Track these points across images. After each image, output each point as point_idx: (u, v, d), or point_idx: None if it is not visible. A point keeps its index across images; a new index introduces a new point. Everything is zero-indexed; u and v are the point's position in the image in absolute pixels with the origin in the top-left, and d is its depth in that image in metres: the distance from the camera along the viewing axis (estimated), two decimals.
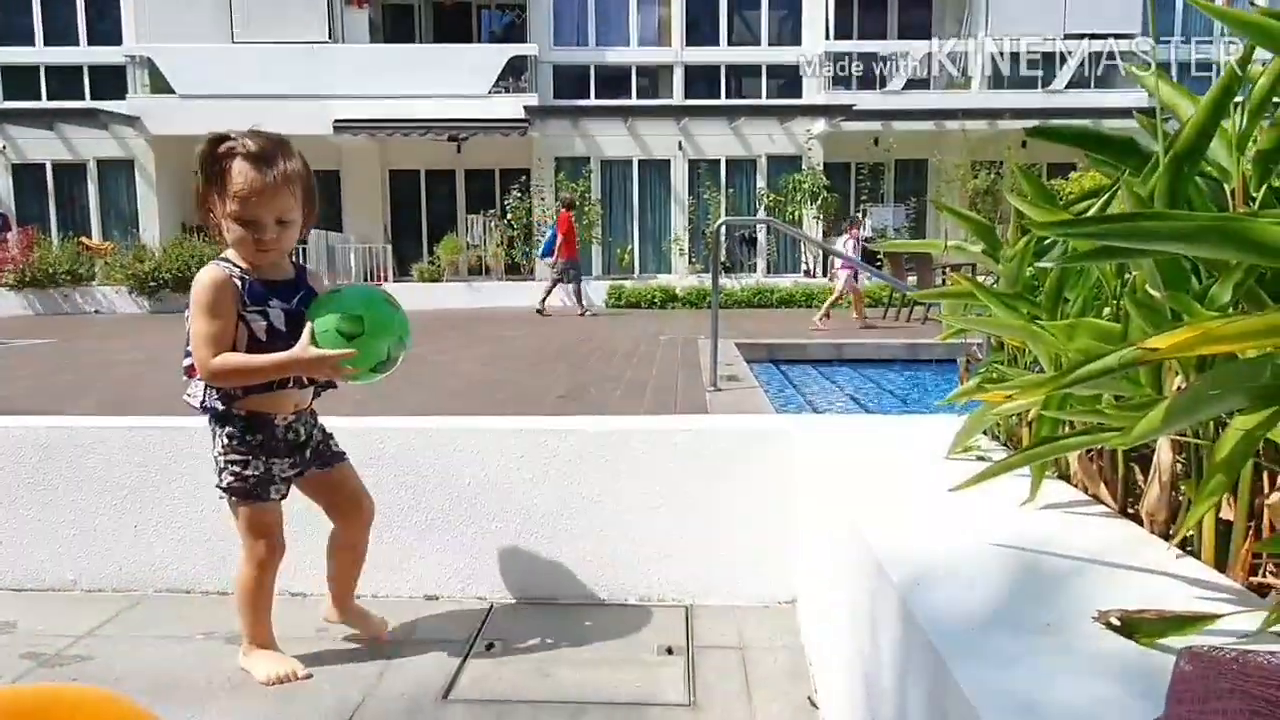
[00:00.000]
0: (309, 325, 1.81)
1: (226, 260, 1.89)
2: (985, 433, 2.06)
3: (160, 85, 18.71)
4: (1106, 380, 1.37)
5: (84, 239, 18.17)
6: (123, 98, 18.76)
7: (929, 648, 0.98)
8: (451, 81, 18.48)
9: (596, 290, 17.69)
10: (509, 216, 18.66)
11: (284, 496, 1.97)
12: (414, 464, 2.37)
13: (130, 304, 16.85)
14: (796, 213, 19.02)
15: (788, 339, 9.98)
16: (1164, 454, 1.38)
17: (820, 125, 19.01)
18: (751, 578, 2.33)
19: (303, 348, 1.79)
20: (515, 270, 19.00)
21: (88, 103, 18.89)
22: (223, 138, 1.81)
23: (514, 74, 19.25)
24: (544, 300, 14.28)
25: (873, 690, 1.30)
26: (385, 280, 18.41)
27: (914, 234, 19.16)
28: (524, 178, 18.96)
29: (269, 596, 1.96)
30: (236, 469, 1.89)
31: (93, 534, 2.44)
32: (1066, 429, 1.65)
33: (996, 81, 19.12)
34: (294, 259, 2.04)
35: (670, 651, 2.05)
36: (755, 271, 19.30)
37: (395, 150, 19.66)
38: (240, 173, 1.79)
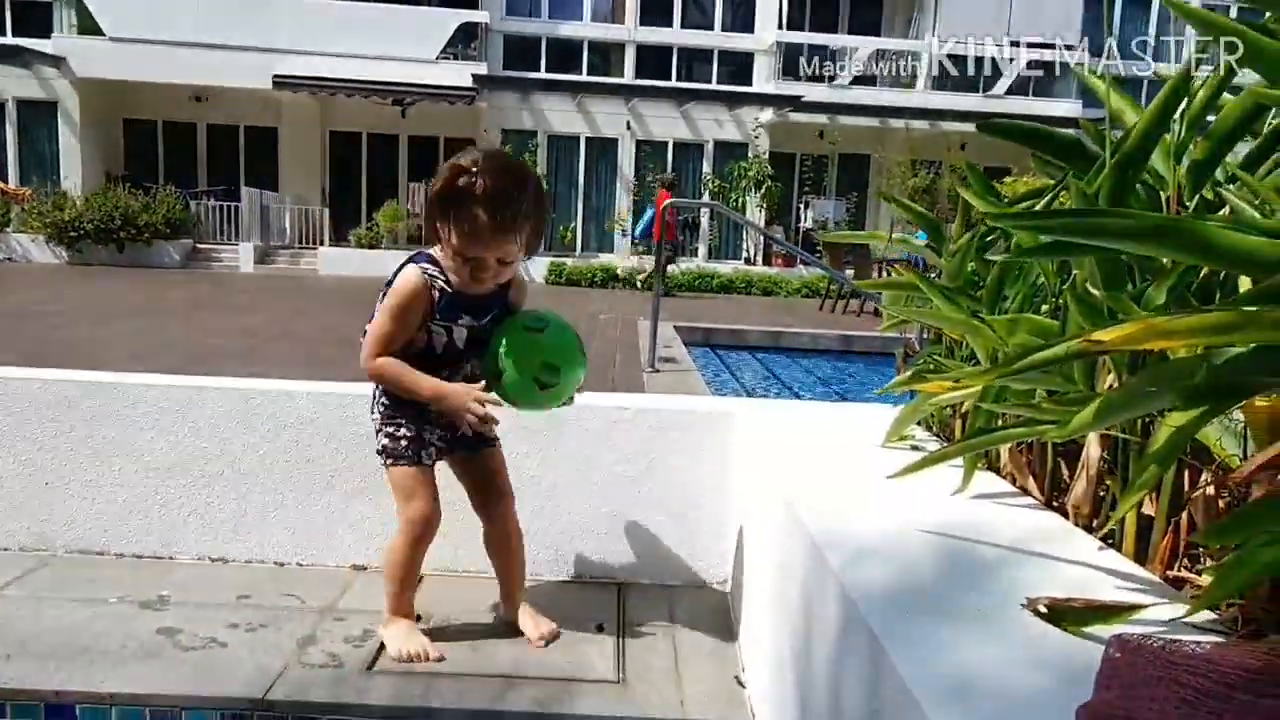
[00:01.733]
0: (503, 370, 1.77)
1: (433, 263, 1.81)
2: (919, 423, 2.10)
3: (88, 25, 17.82)
4: (1040, 376, 1.41)
5: (1, 184, 17.28)
6: (48, 36, 17.84)
7: (866, 632, 0.99)
8: (399, 43, 18.05)
9: (536, 266, 17.55)
10: None
11: (434, 463, 1.90)
12: (348, 429, 2.31)
13: (47, 253, 16.12)
14: (740, 200, 19.15)
15: (725, 324, 10.06)
16: (1092, 449, 1.42)
17: (768, 115, 19.16)
18: (685, 558, 2.34)
19: (462, 391, 1.77)
20: None
21: (9, 39, 17.91)
22: (462, 170, 1.71)
23: (464, 40, 18.89)
24: (651, 276, 14.22)
25: (803, 673, 1.31)
26: (322, 244, 17.95)
27: (853, 227, 19.47)
28: (469, 148, 18.65)
29: (415, 569, 1.89)
30: (390, 430, 1.87)
31: None
32: (1000, 422, 1.69)
33: (940, 83, 19.49)
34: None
35: (601, 629, 2.05)
36: (697, 256, 19.38)
37: (337, 110, 19.14)
38: (472, 215, 1.69)
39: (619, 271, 16.95)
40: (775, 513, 1.63)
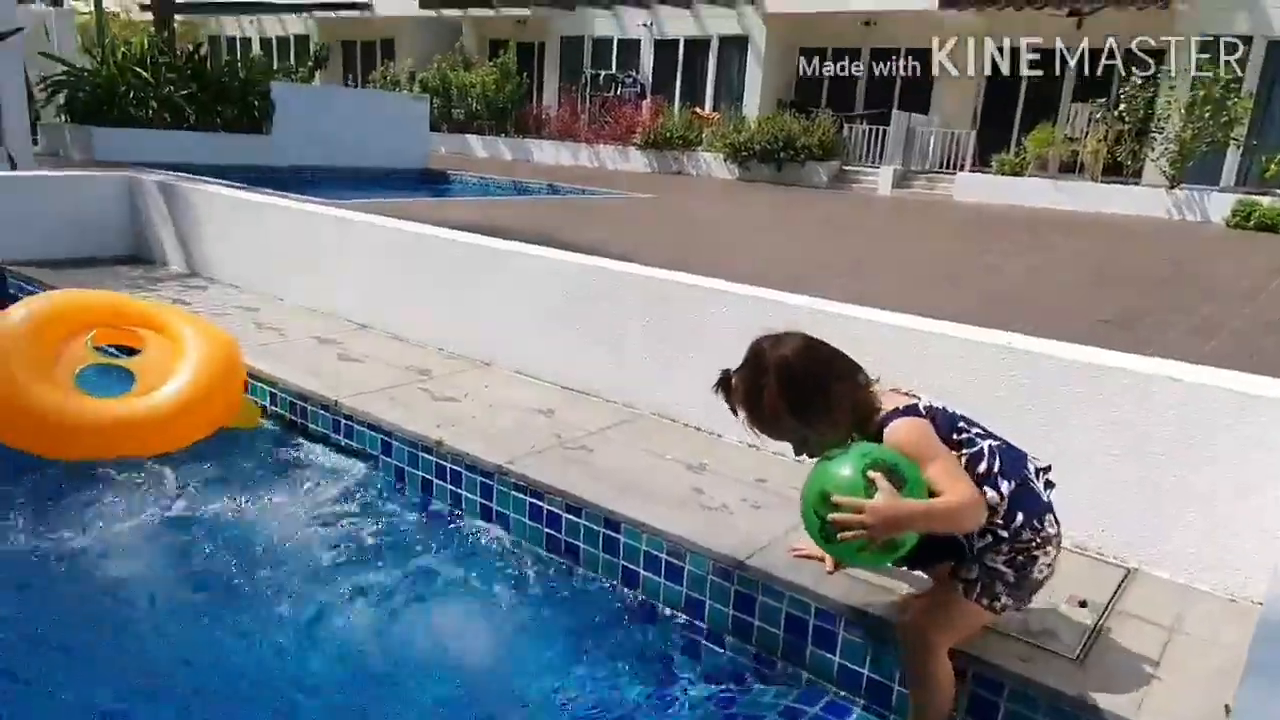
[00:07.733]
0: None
1: None
2: None
3: None
4: None
5: (697, 109, 20.85)
6: None
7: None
8: None
9: (1217, 206, 14.64)
10: (1122, 107, 16.14)
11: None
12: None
13: (724, 170, 19.05)
14: None
15: None
16: None
17: None
18: (1218, 561, 2.00)
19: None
20: (1116, 171, 16.63)
21: None
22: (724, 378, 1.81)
23: None
24: None
25: None
26: (963, 168, 17.78)
27: None
28: (1155, 61, 16.02)
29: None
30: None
31: (611, 355, 3.09)
32: None
33: None
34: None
35: (1084, 605, 1.91)
36: None
37: (1002, 27, 18.35)
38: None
39: None
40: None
